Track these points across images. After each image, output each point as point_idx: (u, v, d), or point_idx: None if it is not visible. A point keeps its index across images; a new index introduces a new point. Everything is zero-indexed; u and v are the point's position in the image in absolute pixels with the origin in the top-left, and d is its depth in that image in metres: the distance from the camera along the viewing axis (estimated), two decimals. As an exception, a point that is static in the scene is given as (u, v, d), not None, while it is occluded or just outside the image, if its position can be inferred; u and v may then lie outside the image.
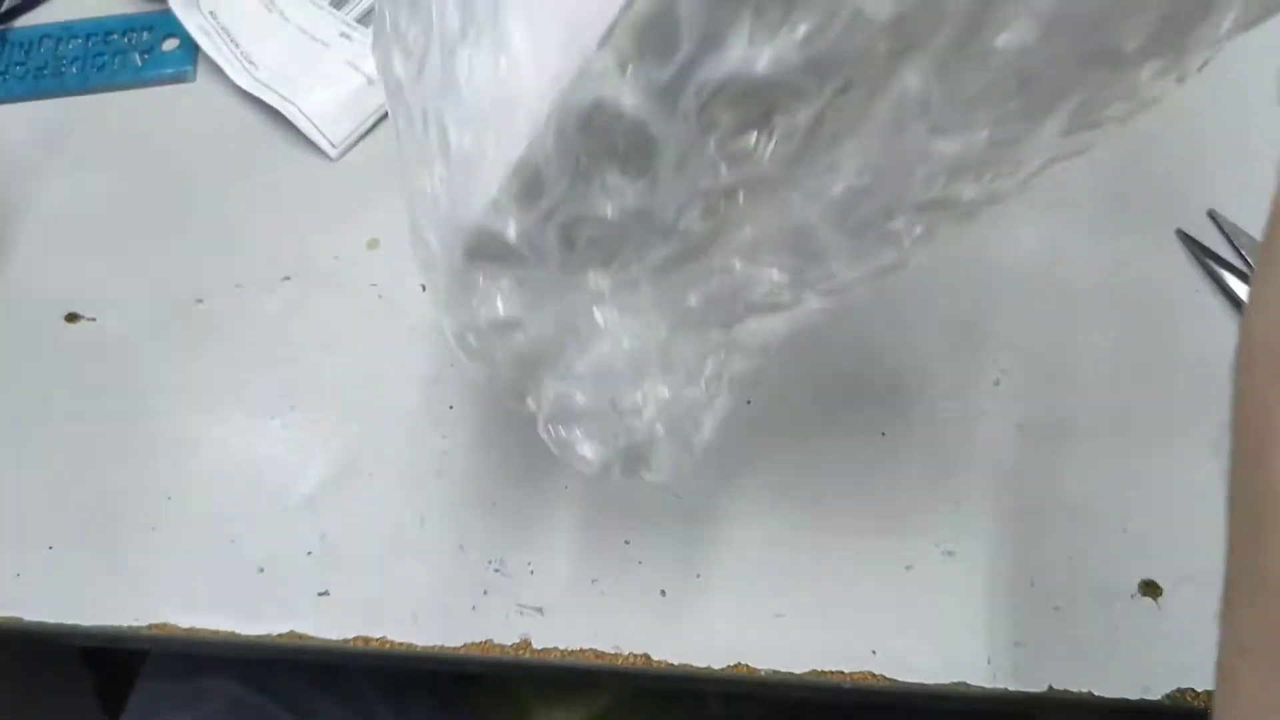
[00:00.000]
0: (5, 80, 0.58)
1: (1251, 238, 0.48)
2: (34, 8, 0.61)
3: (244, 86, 0.56)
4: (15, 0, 0.61)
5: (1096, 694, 0.40)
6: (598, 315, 0.29)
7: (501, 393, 0.32)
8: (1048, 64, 0.22)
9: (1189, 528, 0.42)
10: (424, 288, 0.50)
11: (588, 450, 0.31)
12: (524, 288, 0.28)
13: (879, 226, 0.26)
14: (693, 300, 0.28)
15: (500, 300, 0.28)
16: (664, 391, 0.30)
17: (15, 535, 0.46)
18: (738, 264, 0.27)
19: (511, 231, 0.26)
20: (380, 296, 0.50)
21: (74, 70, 0.58)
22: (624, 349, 0.29)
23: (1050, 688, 0.40)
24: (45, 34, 0.60)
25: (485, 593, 0.44)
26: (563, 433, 0.31)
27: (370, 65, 0.55)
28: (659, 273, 0.28)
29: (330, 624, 0.43)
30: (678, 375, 0.29)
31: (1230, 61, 0.33)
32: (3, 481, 0.48)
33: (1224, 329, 0.46)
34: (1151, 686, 0.40)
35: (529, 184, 0.25)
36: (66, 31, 0.60)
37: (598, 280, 0.28)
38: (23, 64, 0.59)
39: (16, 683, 0.72)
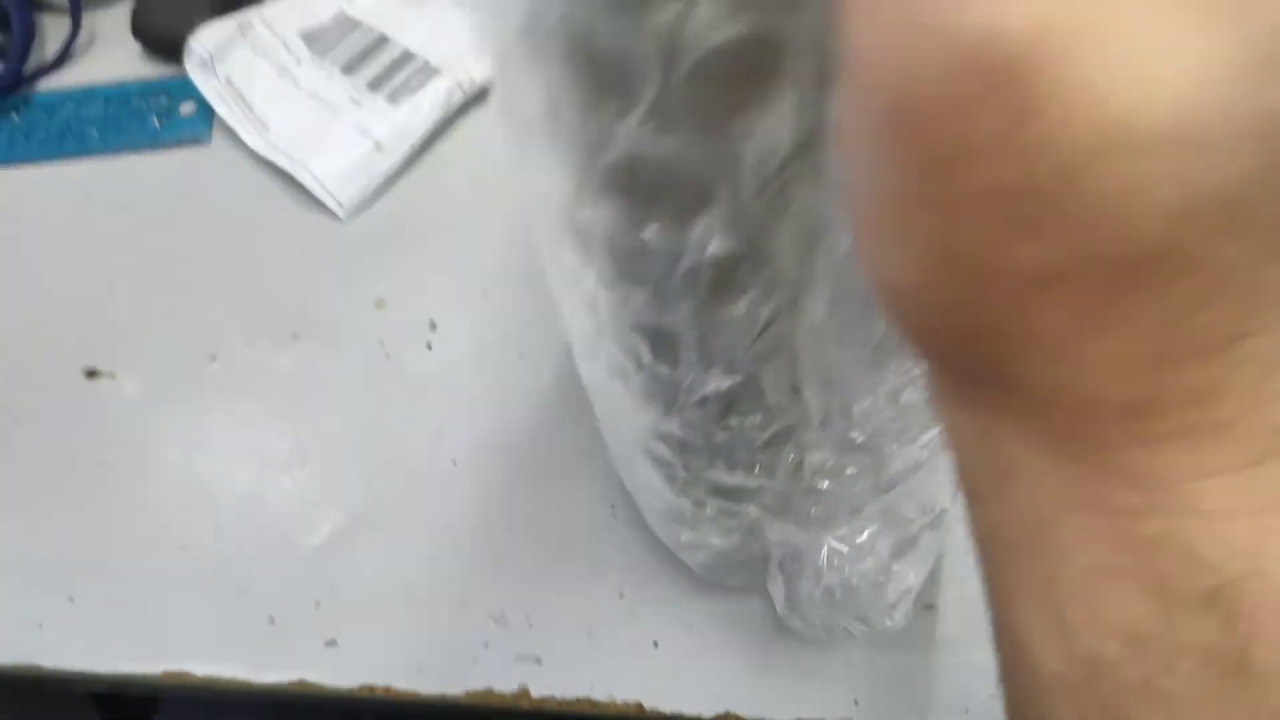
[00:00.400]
0: (29, 141, 0.61)
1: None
2: (56, 70, 0.63)
3: (257, 149, 0.58)
4: (39, 64, 0.63)
5: (1068, 744, 0.42)
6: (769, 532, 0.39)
7: (751, 590, 0.45)
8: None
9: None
10: (429, 346, 0.52)
11: (815, 622, 0.41)
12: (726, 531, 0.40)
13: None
14: (814, 511, 0.37)
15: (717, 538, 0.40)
16: (836, 578, 0.39)
17: (37, 586, 0.48)
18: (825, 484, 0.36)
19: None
20: (387, 355, 0.52)
21: (95, 132, 0.61)
22: (794, 546, 0.39)
23: (1024, 738, 0.42)
24: (68, 97, 0.62)
25: (486, 645, 0.46)
26: (793, 614, 0.42)
27: (378, 130, 0.58)
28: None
29: (338, 673, 0.45)
30: (844, 563, 0.39)
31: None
32: (25, 534, 0.50)
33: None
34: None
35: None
36: (88, 95, 0.62)
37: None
38: (45, 126, 0.61)
39: None
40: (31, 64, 0.63)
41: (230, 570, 0.48)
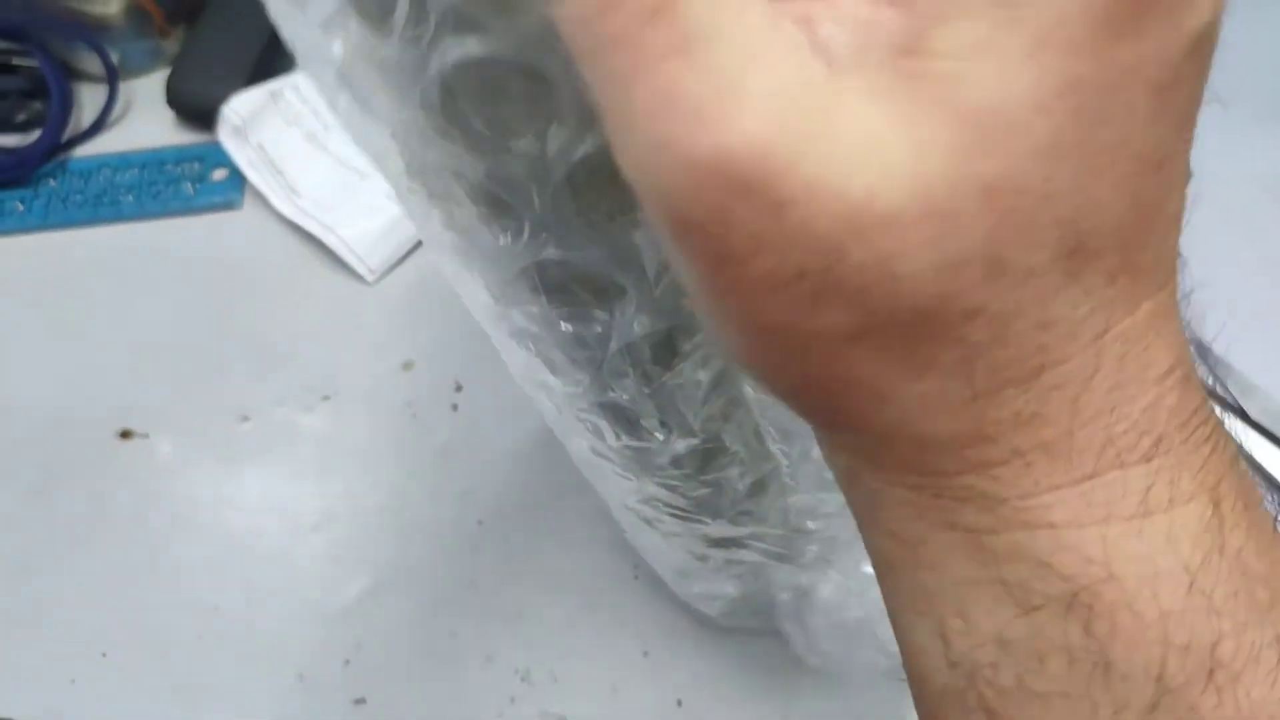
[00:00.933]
0: (66, 207, 0.63)
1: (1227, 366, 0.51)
2: (93, 138, 0.65)
3: (287, 215, 0.60)
4: (75, 131, 0.65)
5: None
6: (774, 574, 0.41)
7: (773, 632, 0.45)
8: None
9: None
10: (455, 407, 0.53)
11: (837, 657, 0.43)
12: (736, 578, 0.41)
13: None
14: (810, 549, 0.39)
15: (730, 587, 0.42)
16: (847, 612, 0.41)
17: (70, 643, 0.49)
18: (811, 524, 0.37)
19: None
20: (414, 416, 0.54)
21: (130, 198, 0.63)
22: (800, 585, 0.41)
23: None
24: (104, 163, 0.64)
25: (512, 700, 0.46)
26: (810, 652, 0.43)
27: (406, 196, 0.59)
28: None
29: (366, 731, 0.46)
30: (849, 596, 0.41)
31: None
32: (60, 591, 0.51)
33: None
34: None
35: None
36: (123, 161, 0.64)
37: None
38: (82, 192, 0.63)
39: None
40: (68, 131, 0.65)
41: (260, 628, 0.49)
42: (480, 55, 0.19)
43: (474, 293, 0.29)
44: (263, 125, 0.63)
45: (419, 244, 0.59)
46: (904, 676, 0.22)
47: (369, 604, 0.49)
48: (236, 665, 0.48)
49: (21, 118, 0.65)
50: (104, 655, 0.49)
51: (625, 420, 0.31)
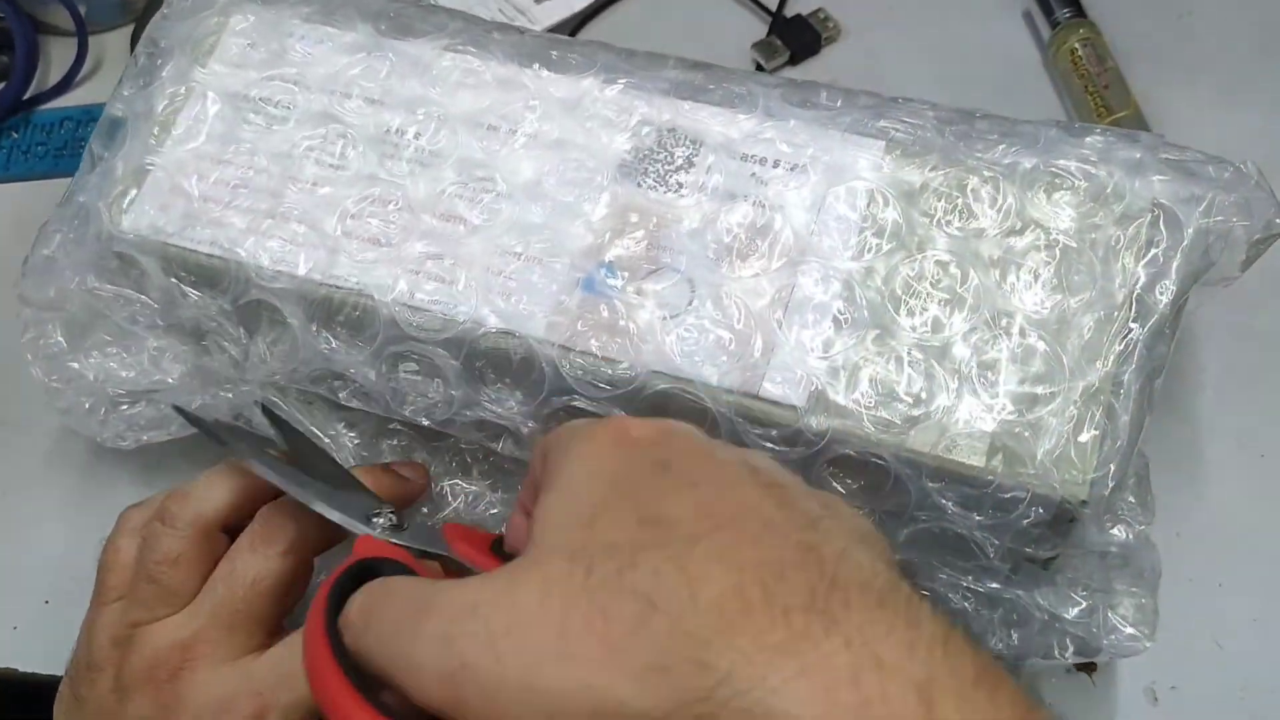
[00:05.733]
0: (27, 158, 0.62)
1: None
2: (62, 94, 0.65)
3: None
4: (42, 85, 0.65)
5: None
6: None
7: None
8: None
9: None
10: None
11: None
12: None
13: None
14: None
15: None
16: None
17: (13, 589, 0.49)
18: None
19: None
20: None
21: (92, 152, 0.62)
22: None
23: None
24: (66, 116, 0.64)
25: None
26: None
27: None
28: None
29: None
30: None
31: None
32: (3, 536, 0.50)
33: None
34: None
35: None
36: (86, 115, 0.64)
37: None
38: (44, 144, 0.63)
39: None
40: (34, 85, 0.65)
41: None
42: None
43: None
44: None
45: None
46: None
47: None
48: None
49: (-14, 70, 0.65)
50: (47, 602, 0.49)
51: None
